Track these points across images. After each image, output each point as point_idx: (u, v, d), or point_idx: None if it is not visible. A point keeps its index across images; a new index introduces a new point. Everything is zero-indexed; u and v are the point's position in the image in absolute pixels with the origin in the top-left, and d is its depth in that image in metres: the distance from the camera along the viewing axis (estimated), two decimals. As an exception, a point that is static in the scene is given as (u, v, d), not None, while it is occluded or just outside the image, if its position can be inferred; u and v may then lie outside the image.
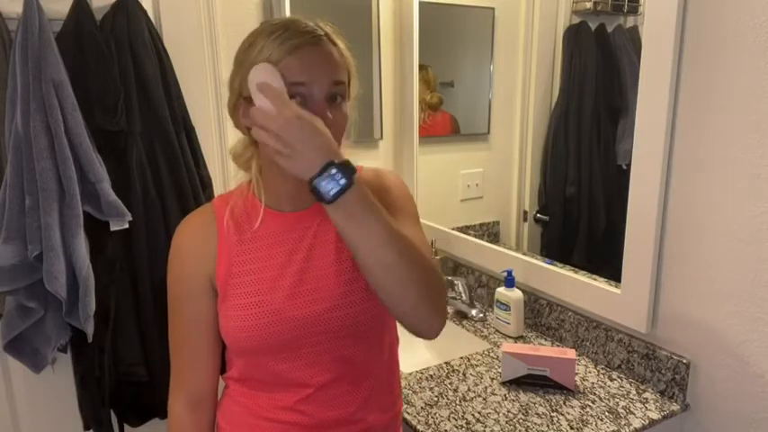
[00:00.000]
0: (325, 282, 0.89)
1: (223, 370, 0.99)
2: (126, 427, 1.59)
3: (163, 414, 1.56)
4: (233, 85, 0.88)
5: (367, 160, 2.07)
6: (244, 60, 0.84)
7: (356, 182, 0.72)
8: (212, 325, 0.93)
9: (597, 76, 1.60)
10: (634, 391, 1.30)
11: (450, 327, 1.69)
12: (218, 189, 1.63)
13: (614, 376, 1.37)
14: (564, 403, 1.26)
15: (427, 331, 0.85)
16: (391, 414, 0.99)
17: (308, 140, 0.72)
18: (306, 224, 0.91)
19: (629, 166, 1.27)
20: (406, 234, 0.80)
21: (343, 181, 0.71)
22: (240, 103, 0.87)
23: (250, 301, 0.88)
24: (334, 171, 0.71)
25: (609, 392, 1.30)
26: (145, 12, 1.48)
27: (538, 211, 1.80)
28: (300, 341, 0.88)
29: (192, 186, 1.53)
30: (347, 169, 0.72)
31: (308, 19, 0.87)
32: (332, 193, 0.71)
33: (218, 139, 1.70)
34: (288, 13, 1.71)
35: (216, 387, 0.98)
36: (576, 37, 1.63)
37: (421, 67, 1.95)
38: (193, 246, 0.92)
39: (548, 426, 1.19)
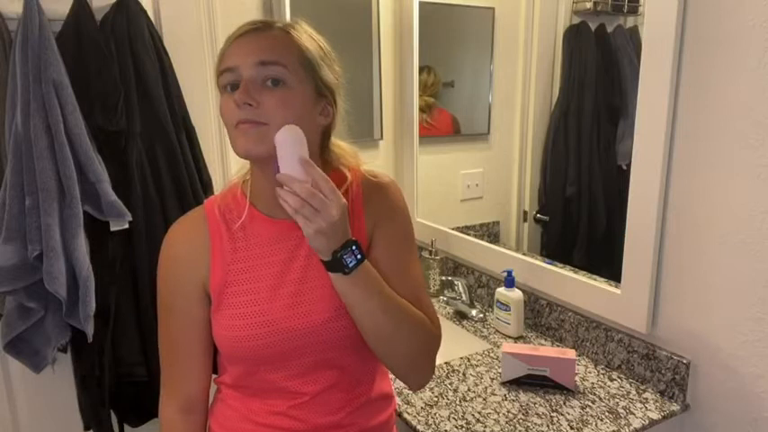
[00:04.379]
0: (324, 293, 0.87)
1: (215, 371, 0.98)
2: (126, 427, 1.59)
3: (163, 414, 1.56)
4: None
5: (367, 160, 2.07)
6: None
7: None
8: (204, 331, 0.91)
9: (597, 77, 1.60)
10: (634, 392, 1.30)
11: (450, 327, 1.69)
12: (218, 189, 1.63)
13: (614, 376, 1.37)
14: (564, 403, 1.26)
15: (411, 385, 0.94)
16: (385, 416, 0.98)
17: (339, 221, 0.77)
18: (301, 233, 0.88)
19: (629, 166, 1.27)
20: (410, 284, 0.90)
21: (359, 256, 0.80)
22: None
23: (247, 311, 0.86)
24: (354, 248, 0.79)
25: (609, 392, 1.30)
26: (145, 12, 1.48)
27: (538, 211, 1.80)
28: (296, 351, 0.88)
29: (191, 186, 1.53)
30: (360, 246, 0.80)
31: (294, 15, 0.87)
32: (351, 265, 0.79)
33: (218, 138, 1.71)
34: (288, 14, 1.71)
35: (207, 390, 0.97)
36: (576, 37, 1.63)
37: (420, 69, 1.95)
38: (186, 252, 0.90)
39: (548, 426, 1.19)
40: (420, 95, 1.98)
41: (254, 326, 0.86)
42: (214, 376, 0.98)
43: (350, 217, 0.90)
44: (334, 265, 0.79)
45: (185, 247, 0.91)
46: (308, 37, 0.86)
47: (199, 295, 0.90)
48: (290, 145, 0.77)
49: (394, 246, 0.91)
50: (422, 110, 2.00)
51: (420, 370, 0.91)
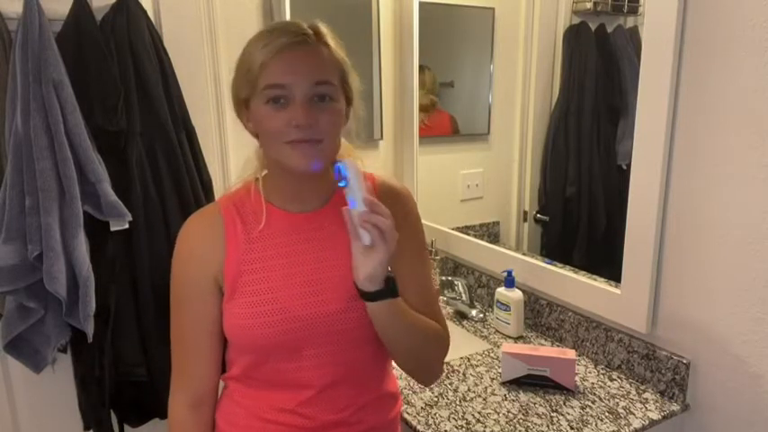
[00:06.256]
0: (336, 284, 0.89)
1: (223, 370, 0.99)
2: (126, 427, 1.59)
3: (163, 414, 1.56)
4: (234, 90, 0.89)
5: (367, 160, 2.07)
6: (239, 67, 0.87)
7: None
8: (215, 325, 0.92)
9: (597, 77, 1.60)
10: (634, 392, 1.30)
11: (450, 327, 1.67)
12: (218, 188, 1.63)
13: (614, 376, 1.37)
14: (564, 403, 1.26)
15: (424, 383, 1.04)
16: (391, 415, 0.99)
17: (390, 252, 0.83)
18: (315, 225, 0.92)
19: (629, 166, 1.27)
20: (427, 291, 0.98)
21: (395, 282, 0.86)
22: (242, 107, 0.89)
23: (261, 299, 0.88)
24: (392, 275, 0.86)
25: (609, 393, 1.30)
26: (145, 12, 1.48)
27: (538, 211, 1.80)
28: (307, 341, 0.89)
29: (191, 186, 1.53)
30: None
31: (305, 20, 0.88)
32: (394, 291, 0.86)
33: (218, 138, 1.70)
34: (288, 13, 1.71)
35: (217, 386, 0.98)
36: (576, 37, 1.63)
37: (419, 68, 1.95)
38: (200, 246, 0.92)
39: (548, 426, 1.19)
40: (425, 93, 1.98)
41: (267, 313, 0.87)
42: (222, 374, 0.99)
43: None
44: (385, 292, 0.84)
45: (200, 242, 0.92)
46: (338, 46, 0.89)
47: (211, 290, 0.91)
48: (358, 180, 0.82)
49: (412, 255, 0.95)
50: (425, 109, 2.00)
51: (435, 372, 1.00)
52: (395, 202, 0.95)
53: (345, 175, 0.80)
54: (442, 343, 0.97)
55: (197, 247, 0.92)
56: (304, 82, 0.83)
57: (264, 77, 0.83)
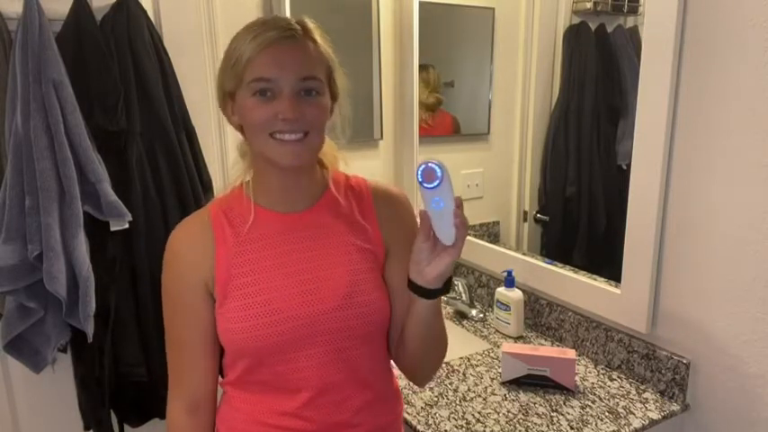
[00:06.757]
0: (330, 282, 0.89)
1: (221, 374, 0.98)
2: (126, 427, 1.59)
3: (163, 414, 1.55)
4: (219, 82, 0.89)
5: (367, 160, 2.07)
6: (225, 59, 0.87)
7: None
8: (209, 330, 0.92)
9: (597, 77, 1.60)
10: (634, 392, 1.30)
11: (450, 327, 1.68)
12: (218, 189, 1.63)
13: (614, 376, 1.37)
14: (564, 403, 1.26)
15: (420, 383, 1.07)
16: (393, 417, 0.99)
17: None
18: (303, 225, 0.92)
19: (629, 166, 1.27)
20: None
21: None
22: (227, 99, 0.89)
23: (253, 301, 0.87)
24: None
25: (609, 392, 1.30)
26: (145, 12, 1.48)
27: (538, 211, 1.80)
28: (303, 341, 0.88)
29: (191, 186, 1.53)
30: None
31: (294, 15, 0.89)
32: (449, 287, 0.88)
33: (218, 138, 1.70)
34: (288, 14, 1.71)
35: (215, 390, 0.97)
36: (576, 37, 1.63)
37: (422, 67, 1.95)
38: (189, 252, 0.91)
39: (548, 426, 1.19)
40: (430, 92, 1.97)
41: (260, 315, 0.87)
42: (220, 379, 0.98)
43: (356, 217, 0.94)
44: (445, 289, 0.86)
45: (189, 248, 0.92)
46: (325, 42, 0.89)
47: (203, 294, 0.90)
48: (450, 178, 0.80)
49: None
50: (430, 108, 1.99)
51: (435, 372, 1.03)
52: (391, 206, 0.96)
53: (440, 175, 0.78)
54: (447, 342, 0.99)
55: (186, 253, 0.91)
56: (291, 77, 0.83)
57: (251, 71, 0.83)
